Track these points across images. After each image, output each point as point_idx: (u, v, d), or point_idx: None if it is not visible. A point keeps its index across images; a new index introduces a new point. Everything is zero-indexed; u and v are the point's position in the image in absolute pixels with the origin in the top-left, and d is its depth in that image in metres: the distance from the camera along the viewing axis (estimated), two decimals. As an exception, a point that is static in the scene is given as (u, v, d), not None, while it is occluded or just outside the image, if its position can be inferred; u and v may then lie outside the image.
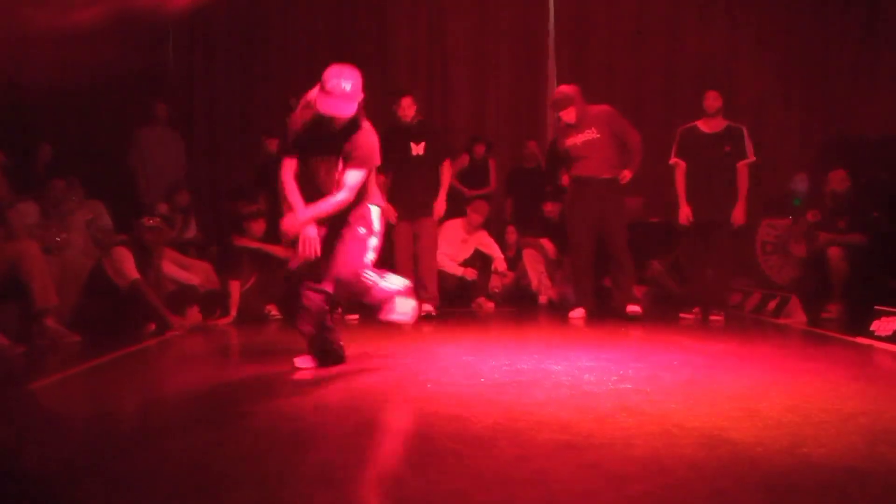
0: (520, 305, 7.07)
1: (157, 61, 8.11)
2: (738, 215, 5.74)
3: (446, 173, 6.34)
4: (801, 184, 7.61)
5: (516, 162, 8.08)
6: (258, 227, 6.43)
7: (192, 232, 7.02)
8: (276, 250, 6.38)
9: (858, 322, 4.78)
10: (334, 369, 3.94)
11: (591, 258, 6.04)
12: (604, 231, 5.93)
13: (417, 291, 6.26)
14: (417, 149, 6.22)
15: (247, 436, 2.72)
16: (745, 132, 5.81)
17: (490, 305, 6.99)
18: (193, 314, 5.95)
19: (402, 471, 2.31)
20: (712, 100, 5.79)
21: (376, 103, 7.74)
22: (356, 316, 6.19)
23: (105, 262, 5.50)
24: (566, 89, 5.97)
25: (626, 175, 5.88)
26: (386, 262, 6.62)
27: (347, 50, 8.54)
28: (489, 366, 3.90)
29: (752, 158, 5.78)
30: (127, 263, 5.42)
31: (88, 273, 5.53)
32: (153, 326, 5.50)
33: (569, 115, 5.88)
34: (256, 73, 8.41)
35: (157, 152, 7.35)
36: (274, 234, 6.50)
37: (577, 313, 5.99)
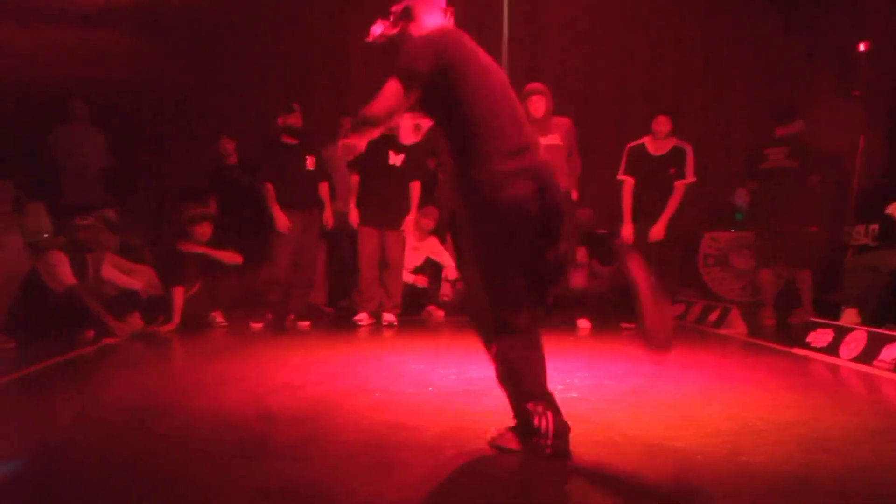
0: (469, 314, 7.08)
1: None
2: (658, 230, 5.88)
3: (417, 191, 6.34)
4: (742, 198, 7.84)
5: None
6: (204, 231, 6.30)
7: (134, 237, 6.83)
8: (223, 255, 6.27)
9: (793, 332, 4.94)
10: (281, 377, 3.88)
11: None
12: None
13: (382, 300, 6.27)
14: (396, 159, 6.21)
15: (189, 446, 2.65)
16: (689, 152, 5.96)
17: (440, 314, 6.98)
18: (134, 320, 5.78)
19: (349, 481, 2.28)
20: (662, 124, 5.94)
21: (334, 121, 7.78)
22: (307, 323, 6.12)
23: (40, 266, 5.31)
24: (539, 84, 6.04)
25: (574, 193, 5.94)
26: (351, 266, 6.64)
27: (304, 57, 8.50)
28: (438, 374, 3.91)
29: (691, 179, 5.94)
30: (62, 267, 5.24)
31: (23, 277, 5.33)
32: (91, 333, 5.33)
33: (538, 106, 5.87)
34: (207, 72, 8.24)
35: (78, 150, 7.10)
36: (221, 238, 6.40)
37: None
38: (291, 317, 6.23)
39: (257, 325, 5.98)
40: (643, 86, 8.61)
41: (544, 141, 5.96)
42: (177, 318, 6.00)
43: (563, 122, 5.96)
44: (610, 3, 8.72)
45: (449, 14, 2.73)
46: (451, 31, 2.60)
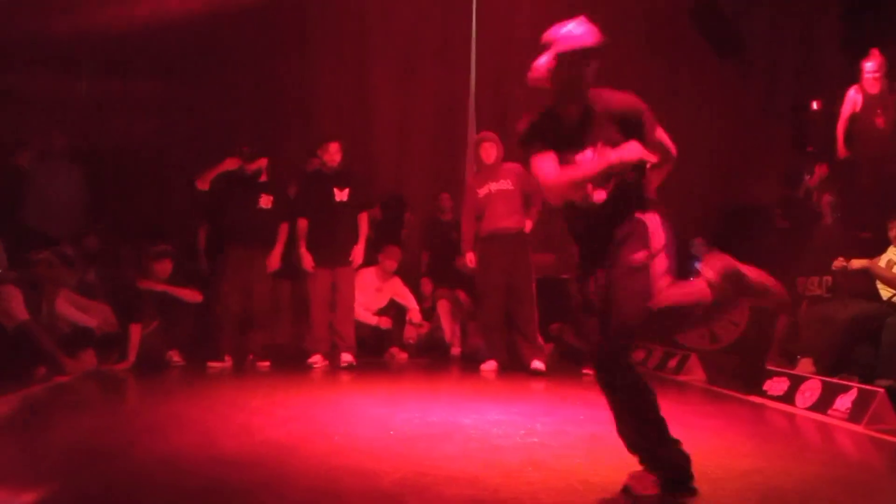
0: (433, 356, 7.06)
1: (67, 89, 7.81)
2: None
3: (365, 223, 6.34)
4: (700, 248, 8.01)
5: (432, 214, 8.17)
6: (164, 267, 6.20)
7: (90, 274, 6.68)
8: (183, 293, 6.17)
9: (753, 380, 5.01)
10: (238, 419, 3.80)
11: (502, 312, 6.13)
12: (512, 286, 6.05)
13: (335, 341, 6.20)
14: (341, 195, 6.21)
15: (140, 491, 2.57)
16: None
17: (403, 356, 6.94)
18: (88, 358, 5.63)
19: (305, 528, 2.24)
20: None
21: (300, 151, 7.78)
22: (267, 363, 6.03)
23: (-8, 300, 5.16)
24: (491, 133, 6.25)
25: (528, 224, 6.09)
26: (302, 309, 6.56)
27: (270, 93, 8.52)
28: (400, 418, 3.86)
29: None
30: (14, 302, 5.10)
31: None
32: (43, 370, 5.17)
33: (489, 153, 6.08)
34: (173, 108, 8.20)
35: (52, 186, 6.98)
36: (180, 275, 6.31)
37: (489, 366, 6.04)
38: (251, 357, 6.14)
39: (215, 366, 5.86)
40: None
41: (495, 186, 6.09)
42: (132, 357, 5.86)
43: (514, 166, 6.08)
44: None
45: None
46: None
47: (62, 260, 5.91)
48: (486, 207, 6.12)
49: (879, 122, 5.91)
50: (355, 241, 6.25)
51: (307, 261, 6.18)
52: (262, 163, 6.17)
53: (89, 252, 6.76)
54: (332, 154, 6.22)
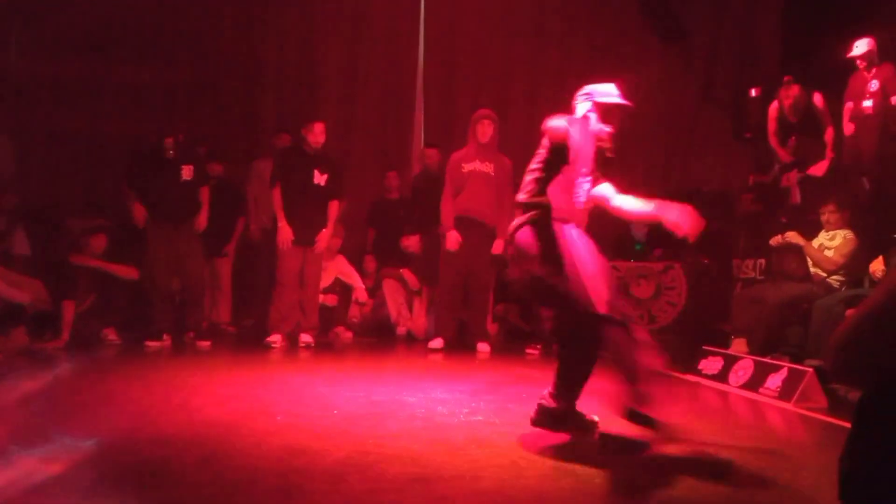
0: (378, 336, 7.04)
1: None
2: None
3: (335, 210, 6.26)
4: (640, 230, 8.18)
5: (378, 192, 8.11)
6: (98, 243, 6.00)
7: (24, 247, 6.41)
8: (118, 269, 5.99)
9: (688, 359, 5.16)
10: (177, 398, 3.73)
11: (459, 293, 6.18)
12: (471, 272, 6.08)
13: (300, 320, 6.13)
14: (321, 178, 6.12)
15: (72, 471, 2.50)
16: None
17: (348, 335, 6.90)
18: (19, 335, 5.41)
19: (246, 507, 2.21)
20: None
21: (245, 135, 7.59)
22: (207, 342, 5.92)
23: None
24: (491, 111, 6.18)
25: (499, 244, 5.95)
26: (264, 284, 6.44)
27: (211, 69, 8.28)
28: (344, 397, 3.85)
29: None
30: (-59, 278, 4.88)
31: None
32: (-31, 348, 4.96)
33: (486, 131, 6.02)
34: (108, 82, 7.89)
35: None
36: (116, 251, 6.12)
37: (436, 343, 6.08)
38: (190, 335, 6.01)
39: (153, 345, 5.71)
40: (547, 115, 8.83)
41: (481, 166, 6.04)
42: (65, 335, 5.67)
43: (505, 160, 6.07)
44: (520, 36, 8.96)
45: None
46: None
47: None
48: (466, 185, 6.06)
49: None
50: (323, 224, 6.19)
51: (286, 234, 6.02)
52: (169, 142, 6.01)
53: (8, 210, 6.46)
54: (317, 135, 6.10)
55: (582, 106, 3.50)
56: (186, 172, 6.00)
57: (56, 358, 5.34)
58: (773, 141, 6.46)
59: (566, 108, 3.81)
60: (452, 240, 6.06)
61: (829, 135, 6.04)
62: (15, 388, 4.32)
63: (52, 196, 7.42)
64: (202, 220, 6.09)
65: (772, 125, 6.45)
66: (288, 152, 6.38)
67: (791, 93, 6.16)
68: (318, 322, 6.29)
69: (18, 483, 2.36)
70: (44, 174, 7.69)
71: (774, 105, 6.41)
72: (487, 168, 6.05)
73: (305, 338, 6.08)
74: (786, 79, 6.27)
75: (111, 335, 5.92)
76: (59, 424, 3.19)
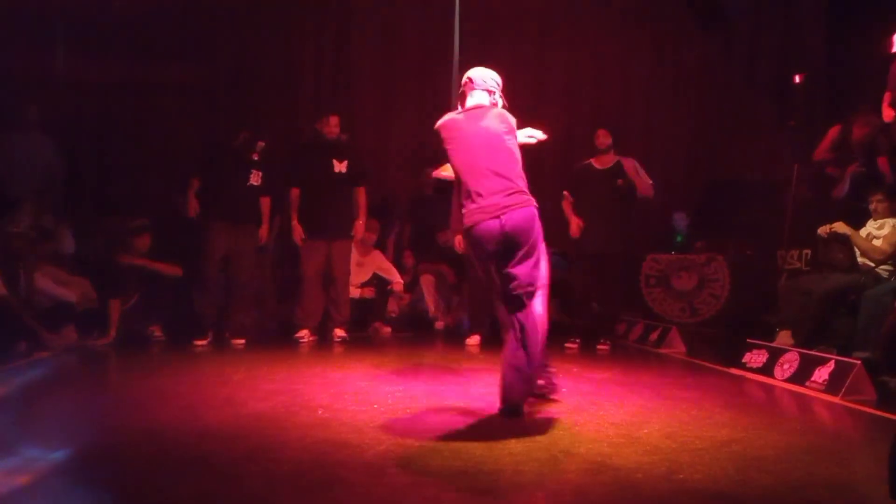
0: (416, 330, 7.08)
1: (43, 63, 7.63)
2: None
3: (363, 197, 6.27)
4: (681, 221, 8.06)
5: (416, 188, 8.14)
6: (143, 242, 6.14)
7: (69, 246, 6.58)
8: (163, 268, 6.12)
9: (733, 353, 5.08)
10: (222, 393, 3.80)
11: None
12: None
13: (332, 315, 6.18)
14: (340, 166, 6.14)
15: (123, 463, 2.57)
16: (635, 164, 6.06)
17: (387, 330, 6.95)
18: (69, 333, 5.58)
19: (289, 499, 2.24)
20: (602, 137, 6.06)
21: (284, 126, 7.67)
22: (242, 340, 6.00)
23: (-31, 275, 5.09)
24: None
25: None
26: (294, 280, 6.53)
27: (251, 65, 8.39)
28: (383, 392, 3.88)
29: (648, 193, 6.04)
30: (-7, 277, 5.05)
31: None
32: (24, 345, 5.12)
33: None
34: (152, 83, 8.05)
35: (26, 158, 6.83)
36: (159, 249, 6.24)
37: (473, 340, 6.10)
38: (226, 334, 6.11)
39: (201, 343, 5.80)
40: (588, 109, 8.79)
41: None
42: (113, 332, 5.83)
43: None
44: (557, 25, 8.90)
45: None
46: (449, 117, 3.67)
47: (40, 233, 5.84)
48: None
49: None
50: (352, 214, 6.21)
51: (298, 233, 6.12)
52: (260, 145, 6.06)
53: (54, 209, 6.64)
54: (332, 127, 6.16)
55: (496, 96, 3.70)
56: (255, 177, 6.06)
57: (104, 355, 5.49)
58: (830, 169, 6.03)
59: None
60: (460, 243, 6.09)
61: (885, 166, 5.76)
62: (66, 384, 4.46)
63: (98, 195, 7.62)
64: (264, 232, 6.14)
65: (826, 147, 6.04)
66: (304, 147, 6.42)
67: (873, 121, 5.66)
68: (349, 316, 6.30)
69: (57, 472, 2.43)
70: (90, 173, 7.88)
71: (837, 129, 6.01)
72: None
73: (339, 332, 6.13)
74: (864, 107, 5.80)
75: (157, 332, 6.05)
76: (108, 419, 3.28)
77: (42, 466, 2.52)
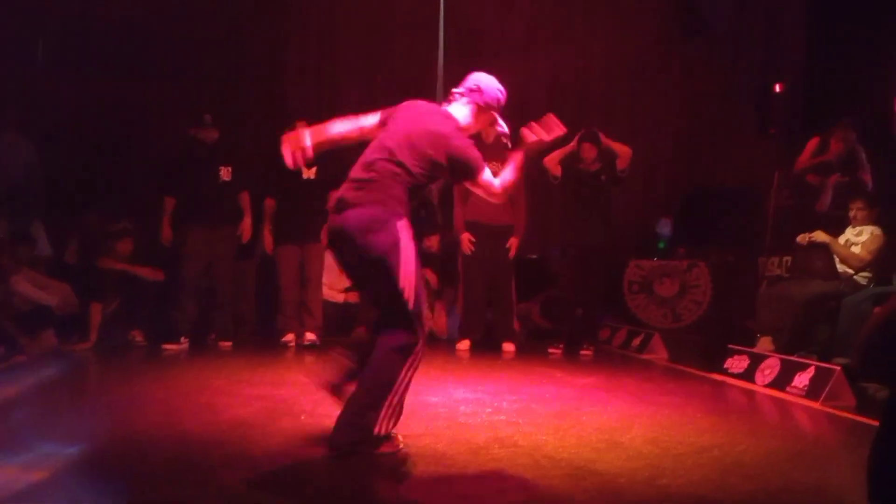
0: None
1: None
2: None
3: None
4: (665, 228, 8.12)
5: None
6: (125, 246, 6.08)
7: (45, 248, 6.49)
8: (144, 272, 6.06)
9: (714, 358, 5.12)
10: (202, 399, 3.77)
11: (484, 294, 6.22)
12: (495, 274, 6.14)
13: (303, 319, 6.15)
14: (308, 173, 6.13)
15: (100, 470, 2.53)
16: (611, 146, 6.12)
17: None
18: (48, 338, 5.51)
19: (271, 506, 2.23)
20: (588, 150, 6.11)
21: (270, 129, 7.63)
22: (229, 343, 5.97)
23: (-54, 279, 5.02)
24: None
25: (515, 243, 6.08)
26: (272, 286, 6.51)
27: (234, 66, 8.35)
28: (365, 397, 3.85)
29: (627, 155, 6.06)
30: (-30, 281, 4.97)
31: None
32: (1, 349, 5.04)
33: (489, 132, 5.98)
34: (133, 79, 7.97)
35: (5, 160, 6.73)
36: (142, 254, 6.19)
37: (464, 345, 6.13)
38: (213, 336, 6.06)
39: (171, 348, 5.76)
40: (571, 114, 8.85)
41: (491, 167, 6.02)
42: (93, 337, 5.76)
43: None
44: (540, 34, 8.95)
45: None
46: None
47: (18, 237, 5.77)
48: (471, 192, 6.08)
49: None
50: (323, 218, 6.18)
51: (268, 243, 6.13)
52: (207, 119, 5.99)
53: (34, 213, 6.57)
54: None
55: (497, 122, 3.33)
56: (224, 173, 6.01)
57: (84, 360, 5.42)
58: (811, 178, 6.07)
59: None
60: (466, 242, 6.16)
61: (866, 175, 5.84)
62: (42, 389, 4.40)
63: (76, 199, 7.52)
64: (246, 228, 6.10)
65: (806, 157, 6.07)
66: (274, 156, 6.38)
67: (850, 137, 5.78)
68: (322, 320, 6.26)
69: (36, 479, 2.40)
70: (68, 178, 7.78)
71: (815, 141, 6.04)
72: (496, 167, 6.02)
73: (310, 336, 6.10)
74: (844, 121, 5.86)
75: (138, 337, 5.99)
76: (84, 424, 3.24)
77: (16, 472, 2.48)
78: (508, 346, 6.05)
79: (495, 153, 6.08)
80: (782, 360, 4.49)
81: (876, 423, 1.39)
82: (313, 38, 8.69)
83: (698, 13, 8.72)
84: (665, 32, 8.91)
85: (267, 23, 8.55)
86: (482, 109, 3.11)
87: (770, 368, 4.50)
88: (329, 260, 6.77)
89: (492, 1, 8.75)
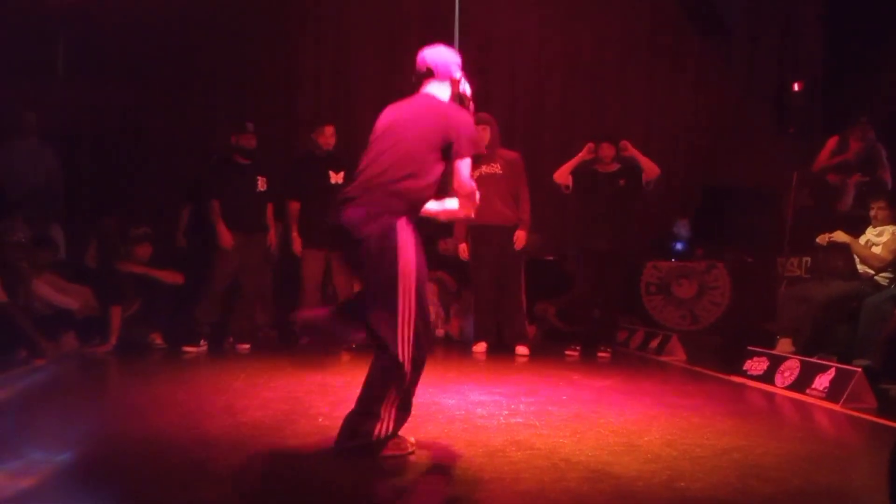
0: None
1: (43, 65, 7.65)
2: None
3: None
4: (682, 229, 8.07)
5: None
6: (144, 250, 6.14)
7: (60, 252, 6.56)
8: (163, 275, 6.12)
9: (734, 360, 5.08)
10: (221, 401, 3.80)
11: (493, 295, 6.19)
12: (502, 275, 6.10)
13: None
14: (337, 177, 6.16)
15: (121, 471, 2.56)
16: (637, 158, 6.05)
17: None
18: (69, 340, 5.59)
19: (289, 508, 2.24)
20: (606, 149, 6.08)
21: (284, 134, 7.70)
22: (247, 346, 6.01)
23: (-31, 283, 5.10)
24: (486, 115, 6.07)
25: (521, 236, 6.02)
26: (295, 289, 6.55)
27: (251, 74, 8.42)
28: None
29: (655, 173, 6.01)
30: (-9, 284, 5.05)
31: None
32: (23, 353, 5.12)
33: (483, 137, 5.99)
34: (151, 85, 8.06)
35: (25, 164, 6.82)
36: (160, 257, 6.25)
37: (480, 347, 6.11)
38: (230, 339, 6.10)
39: (191, 350, 5.80)
40: (586, 115, 8.82)
41: (486, 170, 6.04)
42: (113, 339, 5.82)
43: (510, 155, 6.07)
44: (554, 35, 8.93)
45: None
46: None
47: (39, 242, 5.84)
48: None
49: None
50: None
51: (297, 245, 6.15)
52: (250, 127, 6.07)
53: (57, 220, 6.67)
54: (328, 137, 6.18)
55: (463, 85, 3.14)
56: (261, 183, 6.08)
57: (104, 362, 5.49)
58: (831, 177, 6.05)
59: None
60: (464, 251, 6.22)
61: (886, 175, 5.78)
62: (65, 392, 4.46)
63: (96, 204, 7.61)
64: (273, 238, 6.19)
65: (825, 157, 6.07)
66: (301, 159, 6.43)
67: (868, 136, 5.77)
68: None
69: (54, 480, 2.43)
70: (88, 183, 7.88)
71: (835, 140, 6.04)
72: (494, 168, 6.05)
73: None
74: (863, 119, 5.84)
75: (157, 339, 6.05)
76: (107, 427, 3.27)
77: (40, 472, 2.51)
78: (521, 350, 5.99)
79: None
80: (802, 362, 4.44)
81: (897, 426, 1.38)
82: (328, 43, 8.73)
83: (716, 12, 8.66)
84: (682, 32, 8.86)
85: (282, 28, 8.61)
86: (455, 82, 3.07)
87: (790, 370, 4.46)
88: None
89: (506, 3, 8.74)
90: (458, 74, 3.10)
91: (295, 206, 6.19)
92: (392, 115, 2.99)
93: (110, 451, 2.85)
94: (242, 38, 8.42)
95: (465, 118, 2.93)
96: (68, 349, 5.51)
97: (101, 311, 5.87)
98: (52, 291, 5.64)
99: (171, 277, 6.15)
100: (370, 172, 2.80)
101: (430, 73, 3.06)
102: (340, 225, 2.74)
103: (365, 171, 2.83)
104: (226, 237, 5.91)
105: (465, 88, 3.15)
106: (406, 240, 2.72)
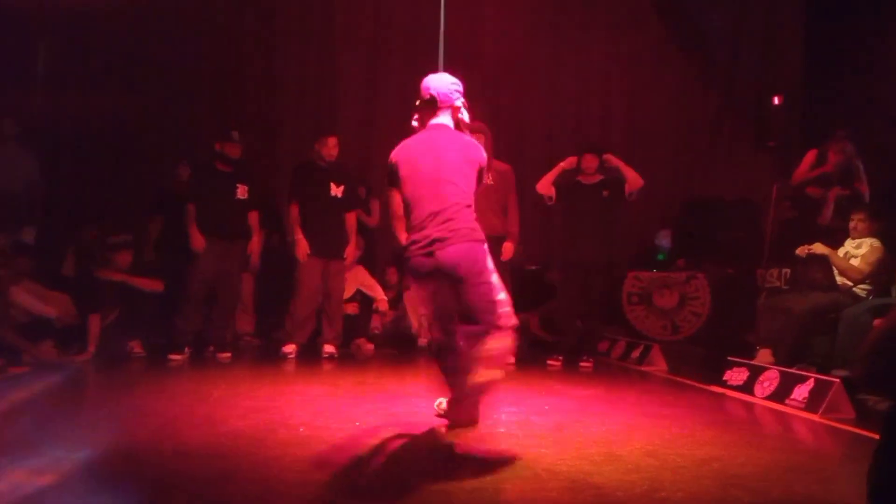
0: (399, 347, 7.05)
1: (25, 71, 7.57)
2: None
3: (353, 222, 6.36)
4: (664, 239, 8.13)
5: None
6: (123, 258, 6.08)
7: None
8: (143, 283, 6.06)
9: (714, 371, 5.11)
10: (201, 411, 3.76)
11: None
12: None
13: (324, 328, 6.18)
14: (337, 190, 6.19)
15: (97, 483, 2.52)
16: (621, 169, 6.07)
17: (370, 347, 6.92)
18: (47, 349, 5.51)
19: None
20: (590, 160, 6.11)
21: (257, 141, 7.68)
22: (228, 354, 5.96)
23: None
24: (480, 123, 6.08)
25: (508, 248, 5.97)
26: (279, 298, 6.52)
27: (233, 80, 8.40)
28: (365, 409, 3.85)
29: (638, 184, 6.01)
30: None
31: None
32: (0, 360, 5.04)
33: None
34: (131, 93, 8.00)
35: (3, 172, 6.73)
36: (140, 265, 6.19)
37: None
38: (211, 348, 6.05)
39: (176, 358, 5.75)
40: (570, 127, 8.89)
41: None
42: (92, 348, 5.75)
43: (502, 167, 6.07)
44: (539, 48, 9.00)
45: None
46: (404, 142, 3.42)
47: (18, 249, 5.77)
48: None
49: None
50: (345, 236, 6.26)
51: (303, 247, 6.10)
52: (235, 135, 6.03)
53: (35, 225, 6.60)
54: (331, 148, 6.18)
55: (462, 113, 3.49)
56: (241, 191, 6.04)
57: (83, 371, 5.41)
58: (811, 190, 6.10)
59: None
60: None
61: (864, 187, 5.86)
62: (42, 401, 4.39)
63: (75, 211, 7.53)
64: (255, 246, 6.14)
65: (804, 170, 6.13)
66: (302, 168, 6.43)
67: (847, 149, 5.84)
68: (342, 333, 6.33)
69: (31, 489, 2.39)
70: (67, 191, 7.79)
71: (814, 153, 6.10)
72: (486, 180, 6.04)
73: (329, 348, 6.13)
74: (840, 133, 5.93)
75: (136, 348, 5.98)
76: (83, 435, 3.23)
77: (10, 483, 2.47)
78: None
79: None
80: (781, 373, 4.48)
81: (875, 436, 1.39)
82: (312, 53, 8.73)
83: (696, 26, 8.77)
84: (663, 45, 8.96)
85: (266, 38, 8.60)
86: (455, 110, 3.39)
87: (769, 381, 4.49)
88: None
89: (491, 15, 8.80)
90: (458, 102, 3.36)
91: (294, 210, 6.17)
92: (418, 151, 3.30)
93: (85, 461, 2.81)
94: (225, 47, 8.41)
95: (482, 147, 3.40)
96: (46, 357, 5.43)
97: (80, 319, 5.80)
98: (30, 299, 5.56)
99: (151, 285, 6.09)
100: (445, 214, 3.20)
101: (433, 102, 3.33)
102: (441, 265, 3.17)
103: (438, 211, 3.21)
104: (197, 240, 5.84)
105: (464, 116, 3.30)
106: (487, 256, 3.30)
